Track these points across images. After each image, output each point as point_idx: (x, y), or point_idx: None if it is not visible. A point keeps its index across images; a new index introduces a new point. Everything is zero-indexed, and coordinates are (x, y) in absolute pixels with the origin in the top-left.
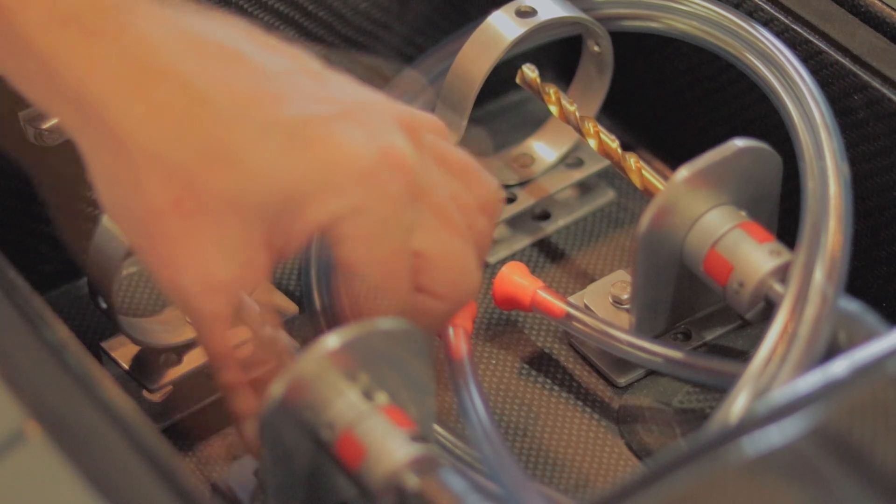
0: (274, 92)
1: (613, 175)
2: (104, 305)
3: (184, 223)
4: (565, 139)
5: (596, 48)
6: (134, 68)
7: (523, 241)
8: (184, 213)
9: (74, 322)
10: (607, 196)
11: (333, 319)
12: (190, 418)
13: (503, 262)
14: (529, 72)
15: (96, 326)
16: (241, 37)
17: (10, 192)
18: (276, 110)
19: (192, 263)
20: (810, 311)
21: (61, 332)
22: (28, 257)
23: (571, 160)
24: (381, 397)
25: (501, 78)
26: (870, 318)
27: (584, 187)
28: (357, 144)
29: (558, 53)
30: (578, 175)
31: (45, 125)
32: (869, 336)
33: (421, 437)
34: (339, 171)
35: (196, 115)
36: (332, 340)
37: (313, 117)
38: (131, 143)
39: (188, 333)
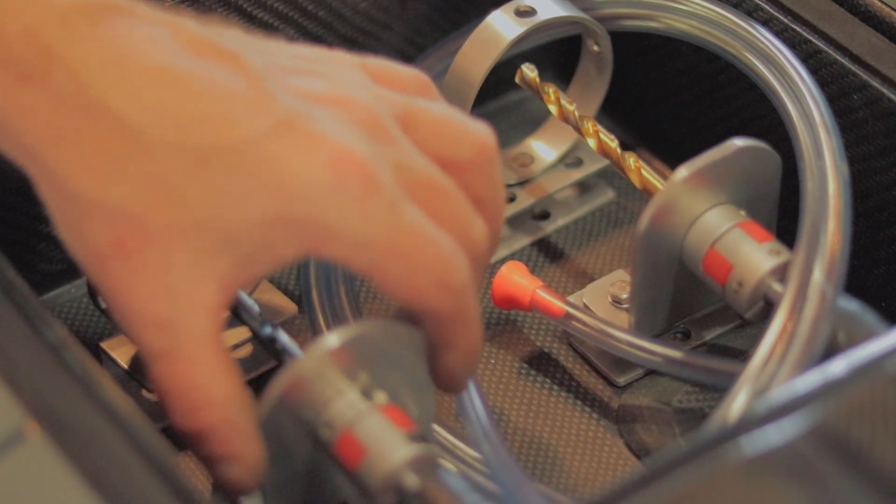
0: (210, 113)
1: (613, 175)
2: (103, 305)
3: (126, 264)
4: (565, 139)
5: (595, 48)
6: (67, 110)
7: (522, 241)
8: (125, 254)
9: (74, 322)
10: (607, 196)
11: (333, 319)
12: None
13: (502, 261)
14: (529, 71)
15: (96, 326)
16: (176, 48)
17: (10, 191)
18: (214, 134)
19: (136, 302)
20: (809, 310)
21: (61, 332)
22: (28, 257)
23: (571, 160)
24: (381, 396)
25: (501, 77)
26: (869, 317)
27: (584, 187)
28: (303, 162)
29: (558, 53)
30: (578, 175)
31: None
32: (868, 335)
33: (420, 436)
34: (292, 199)
35: (132, 151)
36: (331, 339)
37: (253, 138)
38: (74, 189)
39: None
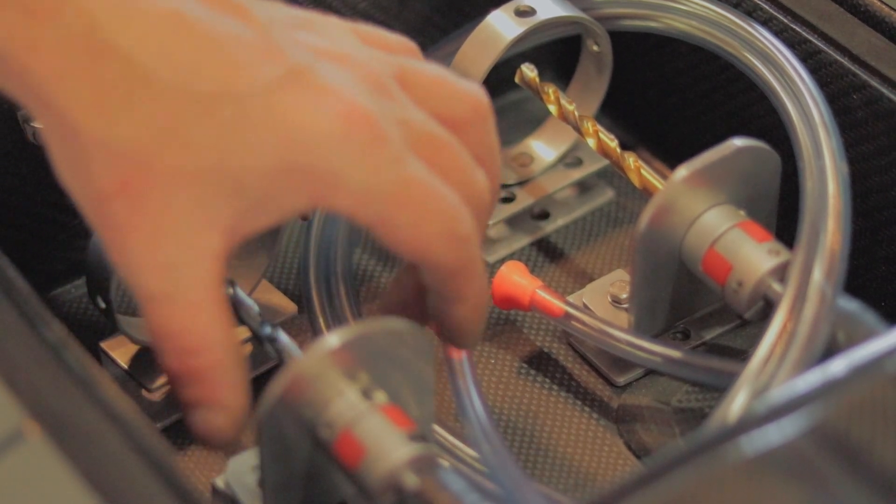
0: (219, 59)
1: (612, 174)
2: (103, 305)
3: (131, 205)
4: (564, 138)
5: (595, 47)
6: (75, 48)
7: (522, 241)
8: (131, 195)
9: (74, 322)
10: (606, 195)
11: (333, 319)
12: None
13: (502, 261)
14: (528, 71)
15: (96, 326)
16: None
17: (11, 191)
18: (222, 81)
19: (139, 244)
20: (809, 310)
21: (61, 332)
22: (28, 257)
23: (570, 159)
24: (381, 396)
25: (500, 77)
26: (869, 317)
27: (583, 187)
28: (312, 113)
29: (558, 53)
30: (577, 174)
31: None
32: (868, 335)
33: (420, 436)
34: (300, 149)
35: (140, 92)
36: (331, 340)
37: (261, 86)
38: (80, 127)
39: None
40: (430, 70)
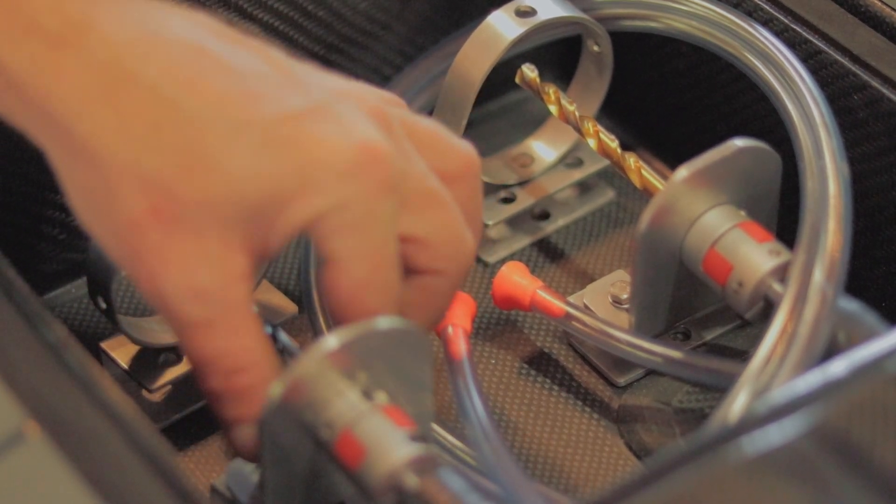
0: (243, 90)
1: (613, 175)
2: (104, 305)
3: (163, 232)
4: (565, 139)
5: (595, 48)
6: (100, 76)
7: (523, 241)
8: (162, 222)
9: (74, 322)
10: (607, 196)
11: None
12: (189, 418)
13: (503, 261)
14: (529, 71)
15: (96, 326)
16: (205, 32)
17: (10, 192)
18: (248, 109)
19: (173, 271)
20: (810, 311)
21: (61, 332)
22: (28, 257)
23: (571, 160)
24: (381, 397)
25: (501, 77)
26: (869, 317)
27: (584, 187)
28: (334, 141)
29: (558, 53)
30: (578, 175)
31: None
32: (868, 335)
33: (420, 436)
34: (318, 169)
35: (167, 120)
36: (331, 341)
37: (286, 115)
38: (104, 154)
39: None
40: (429, 123)
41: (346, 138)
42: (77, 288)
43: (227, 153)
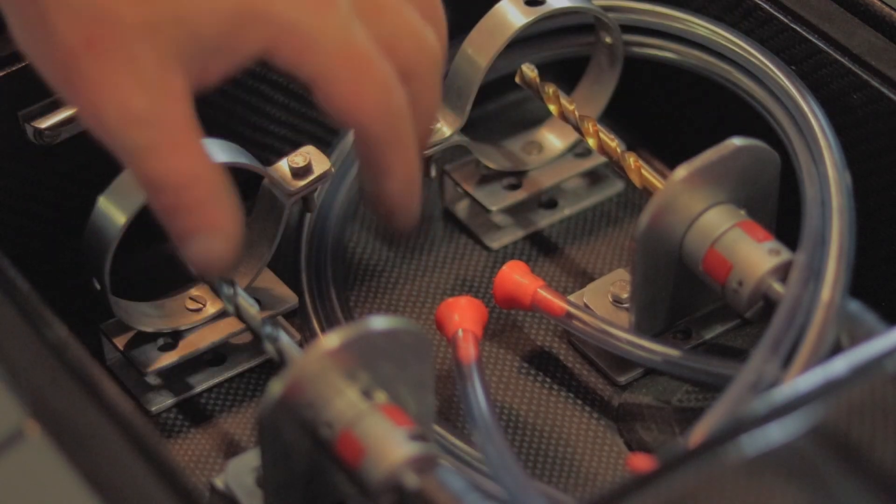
0: None
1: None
2: (98, 287)
3: (98, 61)
4: (571, 133)
5: (608, 40)
6: None
7: (528, 229)
8: (97, 52)
9: (75, 322)
10: (616, 187)
11: (327, 323)
12: (189, 418)
13: (506, 248)
14: (529, 71)
15: (96, 326)
16: None
17: (11, 191)
18: None
19: (110, 100)
20: (816, 318)
21: (61, 331)
22: (28, 257)
23: (580, 150)
24: (381, 396)
25: (501, 77)
26: (869, 317)
27: (594, 177)
28: None
29: None
30: (587, 164)
31: (45, 124)
32: (868, 335)
33: (420, 435)
34: None
35: None
36: (331, 340)
37: None
38: None
39: (181, 321)
40: None
41: None
42: (77, 288)
43: None
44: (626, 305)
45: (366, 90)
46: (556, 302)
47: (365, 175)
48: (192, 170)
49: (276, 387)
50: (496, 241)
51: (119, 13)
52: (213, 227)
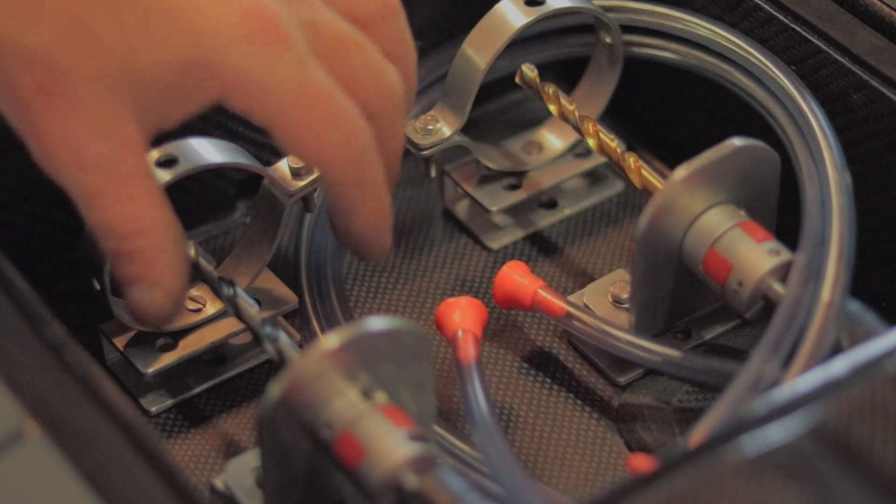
0: None
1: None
2: (98, 287)
3: (50, 107)
4: (571, 133)
5: (608, 40)
6: None
7: (528, 229)
8: (49, 98)
9: (74, 322)
10: (616, 187)
11: (327, 324)
12: (189, 417)
13: (506, 248)
14: (529, 71)
15: (96, 326)
16: None
17: (11, 191)
18: None
19: (62, 146)
20: (815, 316)
21: (61, 332)
22: (28, 257)
23: (580, 150)
24: (380, 396)
25: (501, 77)
26: (869, 317)
27: (594, 177)
28: (216, 10)
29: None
30: (588, 164)
31: None
32: (868, 335)
33: (420, 435)
34: (204, 45)
35: None
36: (331, 340)
37: None
38: None
39: (181, 321)
40: None
41: (228, 4)
42: (78, 288)
43: (106, 26)
44: (626, 306)
45: (325, 133)
46: (556, 302)
47: (332, 212)
48: (137, 221)
49: (275, 387)
50: (496, 242)
51: (69, 62)
52: (152, 279)
